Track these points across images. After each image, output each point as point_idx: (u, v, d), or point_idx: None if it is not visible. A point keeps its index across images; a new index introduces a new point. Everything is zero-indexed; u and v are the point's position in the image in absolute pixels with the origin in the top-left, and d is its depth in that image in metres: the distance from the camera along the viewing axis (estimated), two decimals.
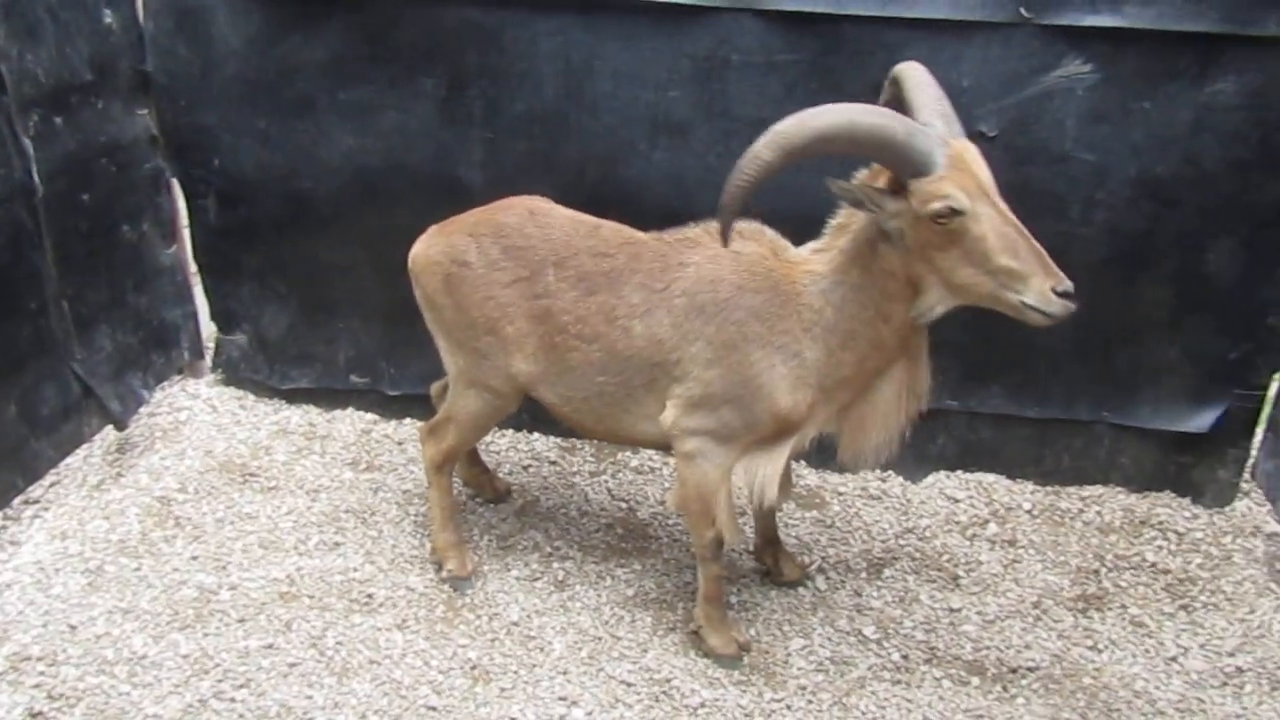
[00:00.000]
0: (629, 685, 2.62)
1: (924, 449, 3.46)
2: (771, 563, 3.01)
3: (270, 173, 3.43)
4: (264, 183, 3.46)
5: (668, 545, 3.14)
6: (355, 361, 3.67)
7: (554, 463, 3.53)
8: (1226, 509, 3.34)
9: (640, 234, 2.71)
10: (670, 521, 3.24)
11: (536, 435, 3.67)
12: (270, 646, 2.67)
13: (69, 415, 3.39)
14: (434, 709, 2.52)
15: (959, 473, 3.48)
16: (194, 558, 2.98)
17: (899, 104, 2.33)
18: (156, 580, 2.88)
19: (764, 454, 2.54)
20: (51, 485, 3.27)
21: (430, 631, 2.76)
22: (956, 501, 3.36)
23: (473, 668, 2.65)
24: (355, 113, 3.29)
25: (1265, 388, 3.26)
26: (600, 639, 2.77)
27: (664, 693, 2.60)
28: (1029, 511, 3.32)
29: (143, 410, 3.68)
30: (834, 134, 2.10)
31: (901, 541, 3.18)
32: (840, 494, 3.40)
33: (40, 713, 2.43)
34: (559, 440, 3.65)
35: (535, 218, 2.75)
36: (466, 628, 2.78)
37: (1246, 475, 3.41)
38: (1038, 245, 2.14)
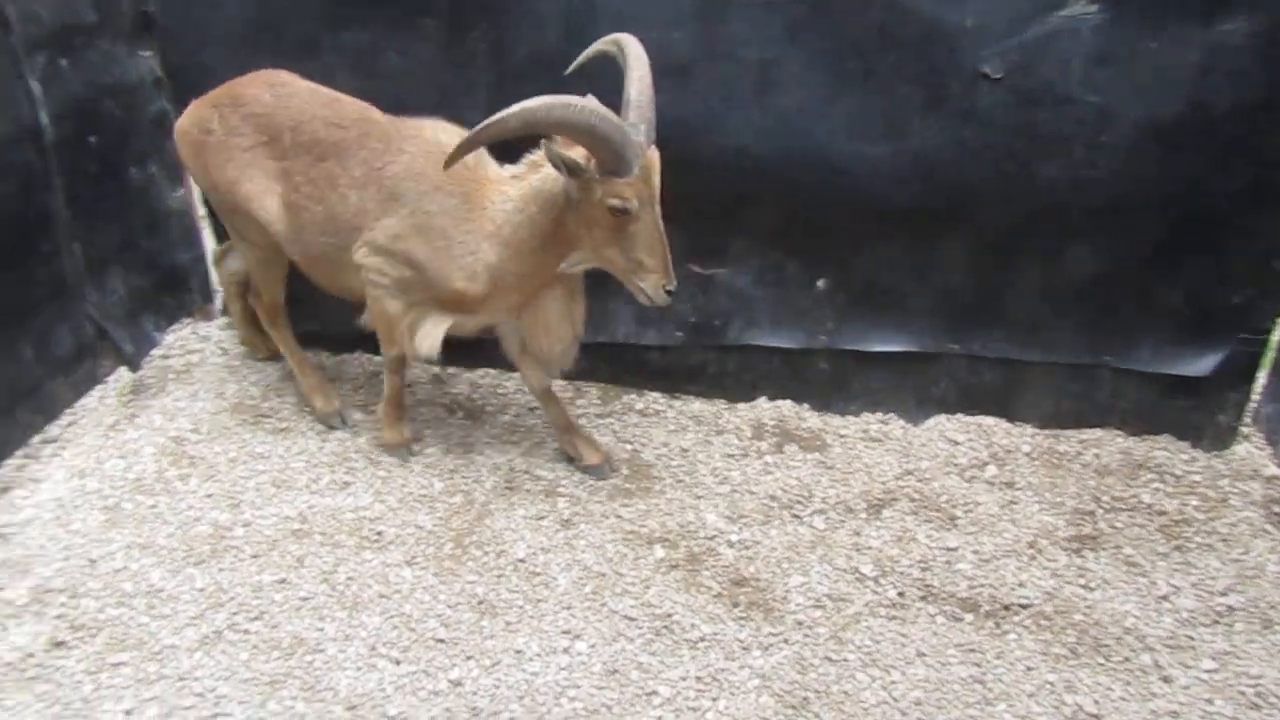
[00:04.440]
0: (631, 620, 2.69)
1: (926, 392, 3.50)
2: (572, 450, 3.28)
3: None
4: None
5: (671, 486, 3.19)
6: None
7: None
8: (1225, 452, 3.37)
9: (376, 114, 2.99)
10: (674, 464, 3.29)
11: None
12: (283, 581, 2.75)
13: (83, 356, 3.46)
14: (442, 641, 2.60)
15: (959, 415, 3.51)
16: (208, 496, 3.06)
17: (617, 68, 2.71)
18: (172, 517, 2.96)
19: (435, 316, 2.97)
20: (69, 425, 3.34)
21: (439, 568, 2.83)
22: (956, 444, 3.40)
23: (480, 602, 2.72)
24: (357, 54, 3.27)
25: (1269, 332, 3.27)
26: (604, 575, 2.84)
27: (665, 627, 2.68)
28: (1028, 454, 3.36)
29: (154, 352, 3.75)
30: (571, 125, 2.46)
31: (901, 483, 3.23)
32: (842, 436, 3.44)
33: (63, 642, 2.53)
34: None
35: (275, 88, 3.06)
36: (474, 564, 2.85)
37: (1247, 419, 3.43)
38: (668, 251, 2.67)
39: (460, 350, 3.67)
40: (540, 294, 2.94)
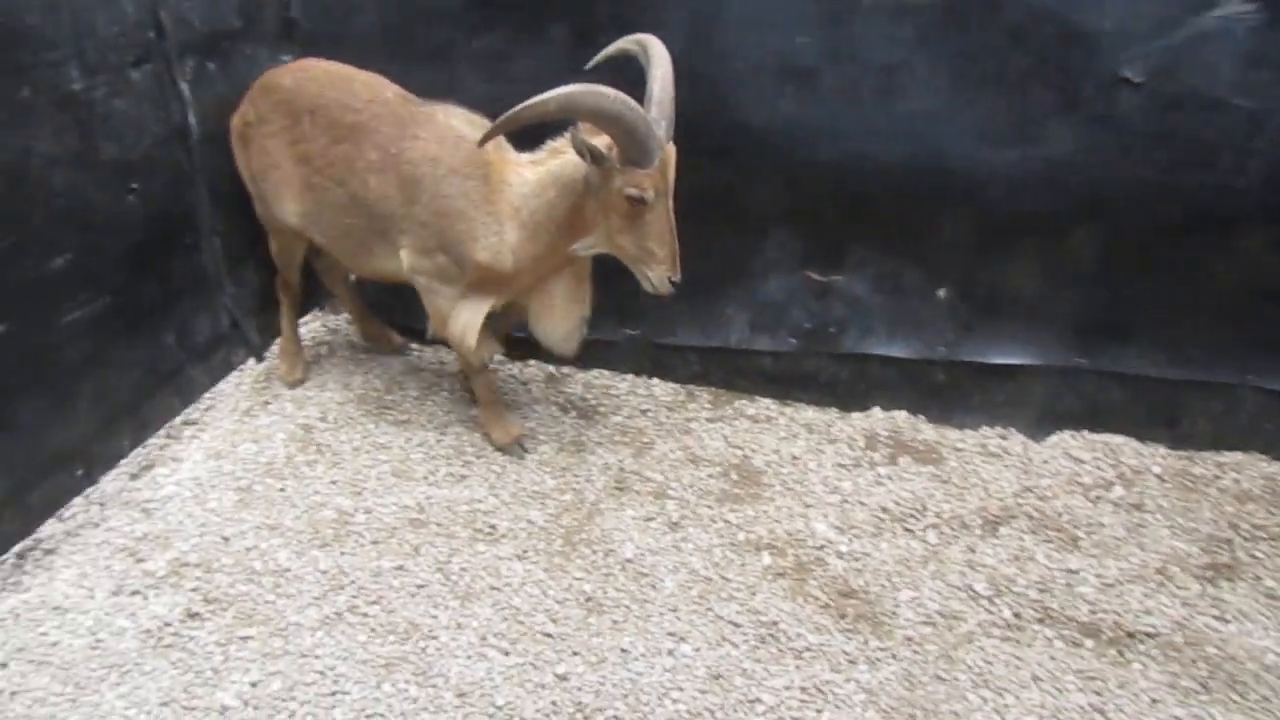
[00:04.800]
0: (736, 625, 2.68)
1: (1049, 407, 3.37)
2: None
3: None
4: None
5: (780, 493, 3.17)
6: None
7: (671, 409, 3.59)
8: None
9: (391, 95, 3.08)
10: (784, 471, 3.26)
11: (655, 381, 3.74)
12: (400, 568, 2.84)
13: (219, 345, 3.65)
14: (549, 635, 2.64)
15: (1085, 433, 3.37)
16: (333, 482, 3.18)
17: (638, 68, 2.80)
18: (299, 501, 3.10)
19: (470, 304, 3.08)
20: (208, 409, 3.53)
21: (548, 563, 2.88)
22: (1081, 462, 3.27)
23: (587, 599, 2.76)
24: (487, 59, 3.36)
25: None
26: (710, 580, 2.84)
27: (770, 635, 2.66)
28: (1159, 476, 3.20)
29: None
30: (604, 113, 2.53)
31: (1020, 500, 3.12)
32: (959, 450, 3.35)
33: (197, 613, 2.67)
34: (677, 386, 3.70)
35: (296, 73, 3.21)
36: (583, 561, 2.89)
37: None
38: (677, 243, 2.75)
39: None
40: (549, 277, 3.06)
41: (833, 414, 3.55)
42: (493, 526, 3.01)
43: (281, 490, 3.14)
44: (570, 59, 3.19)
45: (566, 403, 3.64)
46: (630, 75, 2.80)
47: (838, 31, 3.03)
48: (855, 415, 3.53)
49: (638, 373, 3.77)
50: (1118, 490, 3.15)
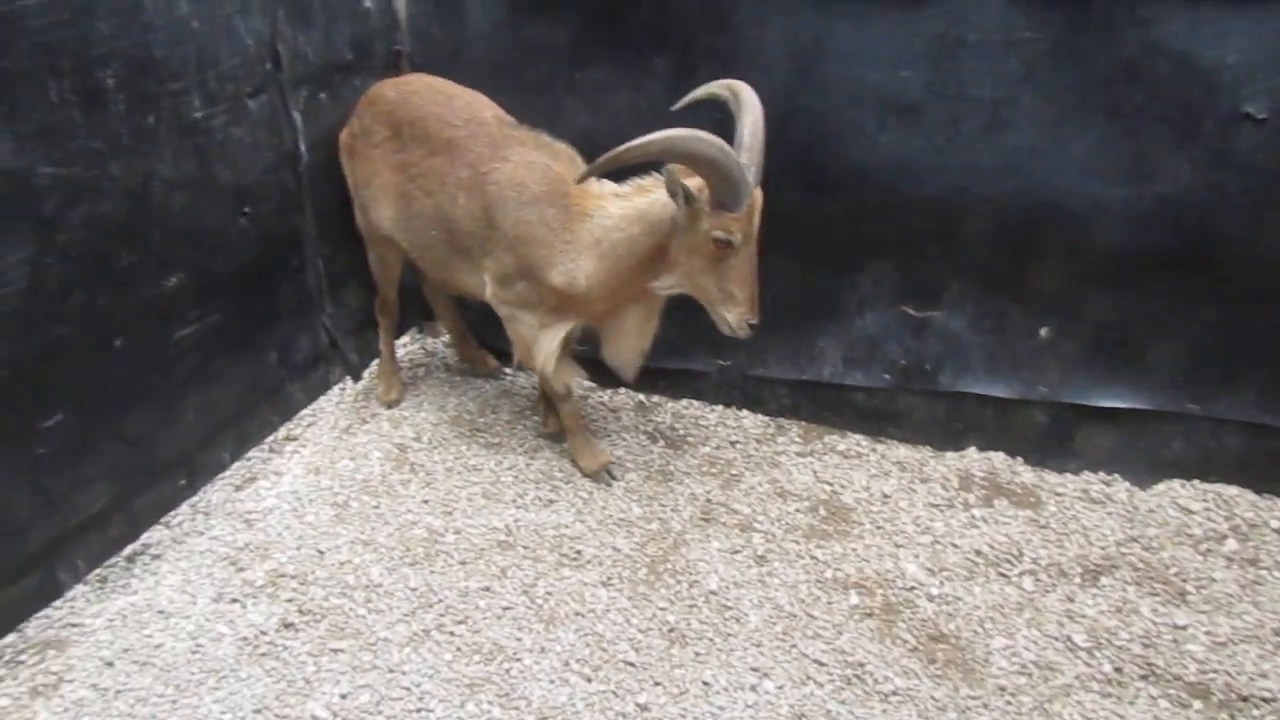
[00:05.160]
0: (821, 665, 2.63)
1: (1158, 454, 3.24)
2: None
3: None
4: None
5: (870, 531, 3.11)
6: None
7: (760, 441, 3.56)
8: None
9: (489, 115, 3.17)
10: (874, 509, 3.20)
11: (745, 413, 3.72)
12: (487, 589, 2.87)
13: (318, 363, 3.76)
14: (632, 664, 2.63)
15: (1196, 482, 3.22)
16: (425, 501, 3.24)
17: (727, 112, 2.82)
18: (392, 518, 3.16)
19: (549, 331, 3.15)
20: (309, 425, 3.64)
21: (633, 592, 2.87)
22: (1190, 513, 3.13)
23: (670, 630, 2.74)
24: (590, 92, 3.42)
25: None
26: (795, 616, 2.79)
27: (856, 676, 2.60)
28: (1277, 530, 3.04)
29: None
30: (701, 157, 2.58)
31: (1123, 549, 3.00)
32: (1058, 494, 3.24)
33: (292, 624, 2.74)
34: (767, 419, 3.67)
35: (402, 86, 3.35)
36: (667, 591, 2.88)
37: None
38: (756, 287, 2.79)
39: (665, 380, 3.75)
40: (624, 306, 3.10)
41: (926, 453, 3.48)
42: (579, 552, 3.02)
43: (376, 507, 3.21)
44: (670, 93, 3.22)
45: (655, 431, 3.64)
46: (716, 118, 2.83)
47: (942, 66, 2.99)
48: (949, 455, 3.45)
49: (727, 404, 3.75)
50: (1231, 544, 3.00)
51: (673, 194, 2.69)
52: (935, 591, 2.87)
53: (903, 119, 3.09)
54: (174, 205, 2.93)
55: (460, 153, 3.11)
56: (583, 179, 2.80)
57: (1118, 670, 2.60)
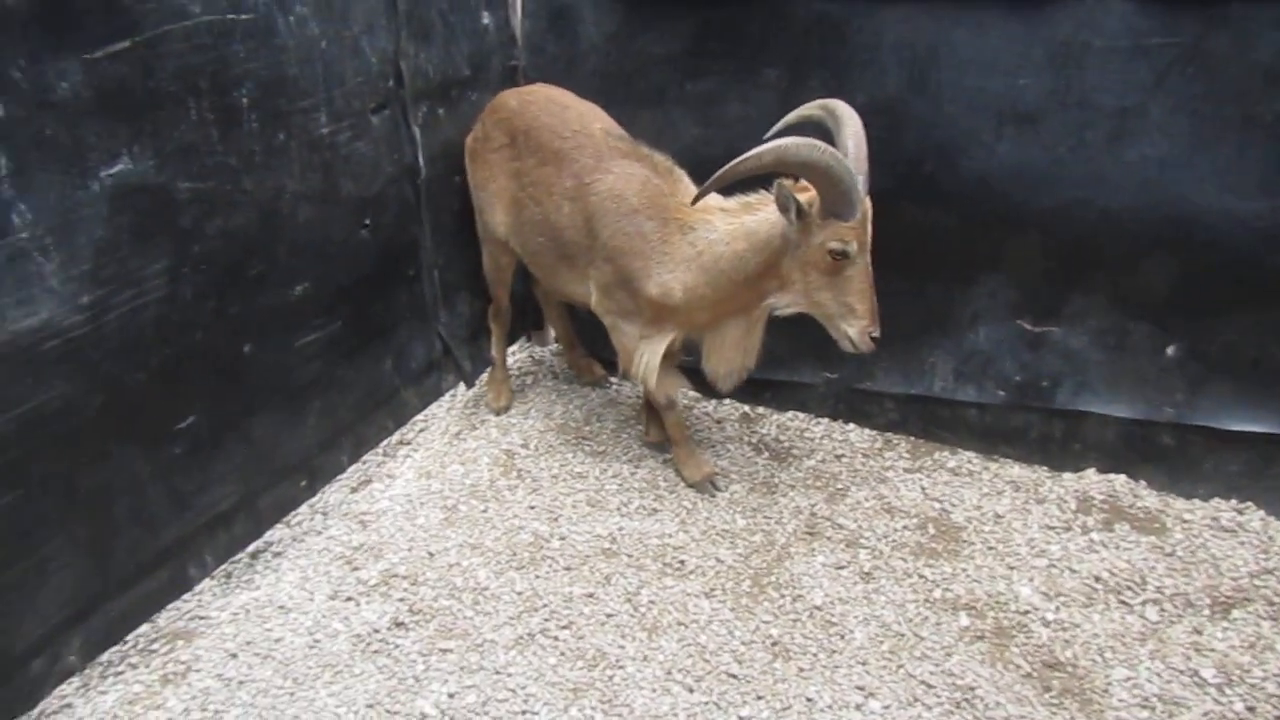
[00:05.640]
0: (929, 687, 2.57)
1: None
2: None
3: None
4: None
5: (981, 552, 3.02)
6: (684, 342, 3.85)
7: (867, 456, 3.51)
8: None
9: (598, 128, 3.21)
10: (986, 529, 3.11)
11: (851, 426, 3.67)
12: (591, 596, 2.90)
13: (431, 370, 3.87)
14: (734, 677, 2.62)
15: None
16: (531, 507, 3.30)
17: (823, 132, 2.78)
18: (500, 523, 3.22)
19: (651, 342, 3.18)
20: (421, 431, 3.75)
21: (736, 604, 2.86)
22: None
23: (774, 644, 2.72)
24: (700, 103, 3.44)
25: None
26: (902, 635, 2.74)
27: (966, 700, 2.53)
28: None
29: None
30: (814, 166, 2.57)
31: (1258, 582, 2.84)
32: (1185, 521, 3.09)
33: (403, 623, 2.82)
34: (874, 433, 3.62)
35: (523, 95, 3.45)
36: (770, 605, 2.86)
37: None
38: (875, 298, 2.75)
39: (770, 391, 3.73)
40: (726, 320, 3.08)
41: (1042, 472, 3.36)
42: (682, 562, 3.03)
43: (484, 511, 3.28)
44: (782, 102, 3.22)
45: (760, 443, 3.62)
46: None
47: (1065, 74, 2.90)
48: (1067, 476, 3.33)
49: (833, 417, 3.71)
50: None
51: (784, 207, 2.69)
52: (1051, 617, 2.77)
53: (1021, 128, 3.01)
54: (300, 218, 3.06)
55: (567, 163, 3.19)
56: (699, 198, 2.81)
57: (1250, 710, 2.46)
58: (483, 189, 3.54)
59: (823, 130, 2.81)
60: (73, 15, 2.28)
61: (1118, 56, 2.83)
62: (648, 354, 3.19)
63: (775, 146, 2.58)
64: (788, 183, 2.66)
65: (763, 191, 2.77)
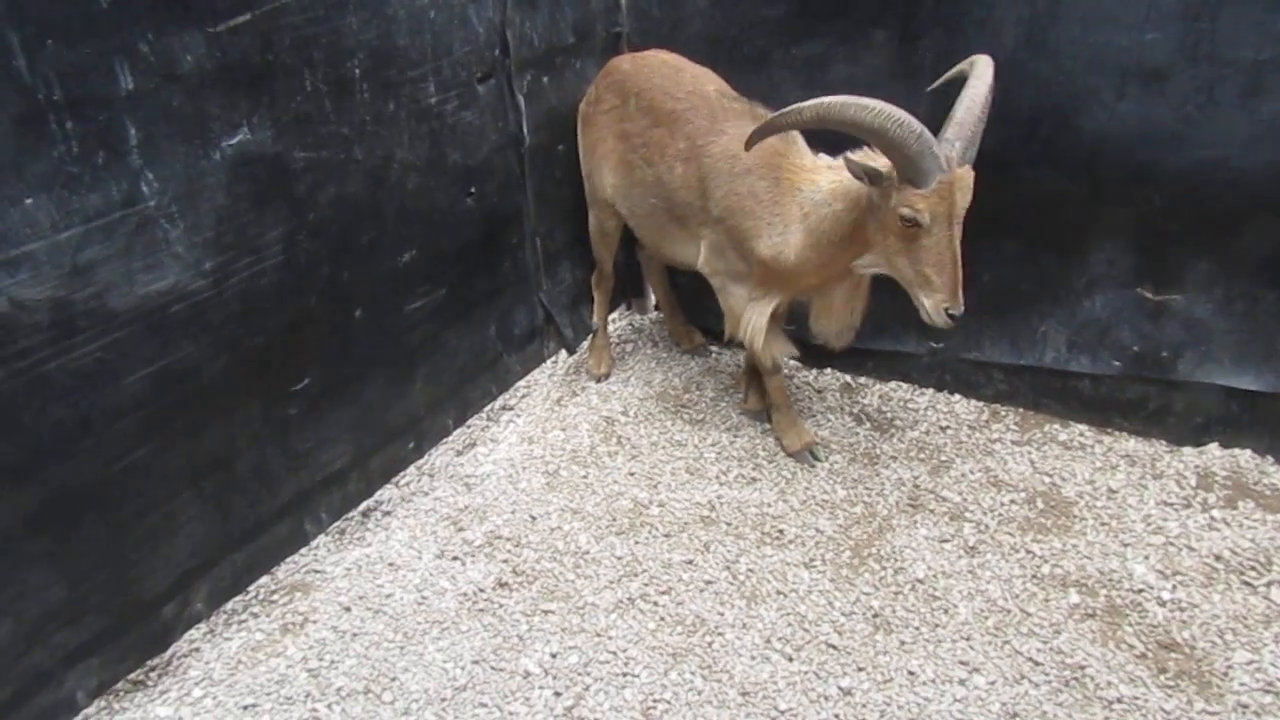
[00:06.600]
0: (1036, 664, 2.51)
1: None
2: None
3: None
4: None
5: (1093, 527, 2.93)
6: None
7: (974, 428, 3.43)
8: None
9: (712, 89, 3.20)
10: (1099, 504, 3.01)
11: (957, 397, 3.58)
12: (690, 563, 2.92)
13: (533, 337, 3.92)
14: (834, 647, 2.60)
15: None
16: (631, 474, 3.33)
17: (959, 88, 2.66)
18: (600, 489, 3.26)
19: (758, 305, 3.16)
20: (523, 396, 3.82)
21: (835, 574, 2.84)
22: None
23: (874, 616, 2.69)
24: (806, 66, 3.37)
25: None
26: (1009, 611, 2.68)
27: (1075, 679, 2.46)
28: None
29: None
30: (864, 126, 2.50)
31: None
32: None
33: (506, 583, 2.89)
34: (981, 404, 3.53)
35: (637, 59, 3.45)
36: (871, 576, 2.83)
37: None
38: (959, 272, 2.60)
39: (873, 361, 3.67)
40: (832, 282, 3.05)
41: (1160, 447, 3.23)
42: (781, 531, 3.02)
43: (584, 477, 3.32)
44: (892, 64, 3.14)
45: (861, 414, 3.57)
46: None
47: (1196, 26, 2.74)
48: (1187, 450, 3.19)
49: (938, 388, 3.63)
50: None
51: (856, 176, 2.64)
52: (1167, 596, 2.67)
53: (1145, 86, 2.86)
54: (409, 186, 3.12)
55: (681, 124, 3.18)
56: (747, 147, 2.80)
57: None
58: (592, 151, 3.57)
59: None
60: None
61: (1255, 6, 2.65)
62: (755, 316, 3.17)
63: (816, 103, 2.53)
64: (859, 153, 2.65)
65: (866, 149, 2.70)
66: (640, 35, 3.71)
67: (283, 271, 2.76)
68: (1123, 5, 2.80)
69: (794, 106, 2.57)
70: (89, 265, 2.27)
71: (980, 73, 2.66)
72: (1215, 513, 2.93)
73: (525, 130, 3.56)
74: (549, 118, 3.63)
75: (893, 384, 3.70)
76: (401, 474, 3.37)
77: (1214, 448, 3.17)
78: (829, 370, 3.79)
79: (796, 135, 3.01)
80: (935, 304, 2.67)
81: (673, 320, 4.08)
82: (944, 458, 3.30)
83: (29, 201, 2.12)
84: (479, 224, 3.47)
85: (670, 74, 3.31)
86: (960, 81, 2.71)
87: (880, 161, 2.60)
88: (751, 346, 3.23)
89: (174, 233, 2.44)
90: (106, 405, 2.39)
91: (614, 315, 4.33)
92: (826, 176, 2.89)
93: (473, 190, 3.40)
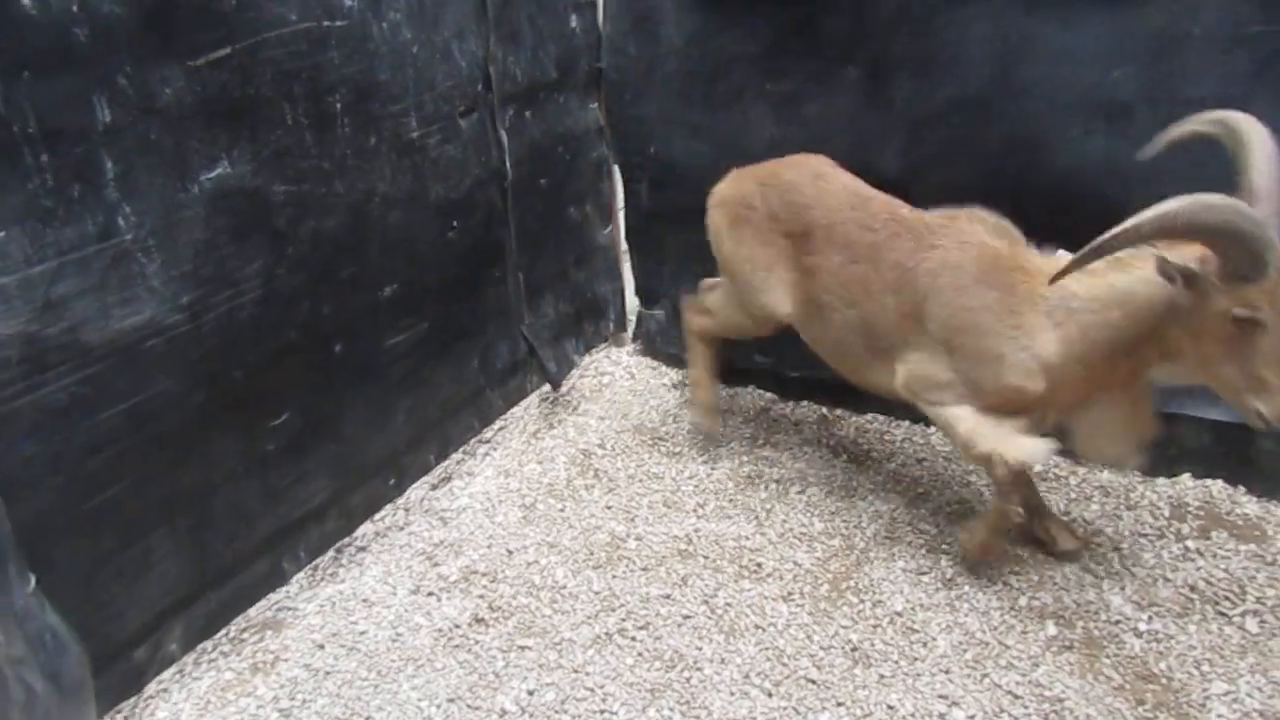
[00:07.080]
0: (1015, 697, 2.51)
1: None
2: (1045, 534, 2.97)
3: (697, 160, 3.67)
4: (690, 170, 3.69)
5: (1070, 560, 2.94)
6: (760, 342, 3.82)
7: (949, 460, 3.45)
8: None
9: (904, 210, 2.87)
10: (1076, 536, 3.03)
11: (933, 430, 3.61)
12: (668, 597, 2.90)
13: (516, 371, 3.93)
14: (813, 682, 2.59)
15: None
16: (608, 507, 3.32)
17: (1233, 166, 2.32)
18: (577, 522, 3.25)
19: (995, 420, 2.68)
20: (500, 429, 3.81)
21: (814, 608, 2.84)
22: None
23: (853, 649, 2.69)
24: (780, 103, 3.42)
25: None
26: (987, 644, 2.67)
27: (1054, 712, 2.46)
28: None
29: (573, 373, 4.15)
30: (1214, 229, 2.15)
31: None
32: None
33: (483, 619, 2.86)
34: None
35: (817, 181, 3.05)
36: (849, 609, 2.82)
37: None
38: None
39: (848, 395, 3.69)
40: (1097, 399, 2.64)
41: (1134, 478, 3.26)
42: (759, 565, 3.01)
43: (561, 510, 3.31)
44: (864, 101, 3.19)
45: (839, 446, 3.59)
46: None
47: (1160, 65, 2.81)
48: (1160, 481, 3.22)
49: (914, 420, 3.65)
50: None
51: (1169, 278, 2.29)
52: (1144, 627, 2.68)
53: (1112, 123, 2.92)
54: (390, 220, 3.13)
55: (883, 255, 2.83)
56: (1055, 280, 2.41)
57: None
58: (750, 263, 3.17)
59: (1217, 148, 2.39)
60: (176, 24, 2.38)
61: (1216, 45, 2.72)
62: (993, 439, 2.65)
63: (1156, 216, 2.14)
64: (1164, 251, 2.29)
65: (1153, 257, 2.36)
66: (616, 71, 3.77)
67: (262, 305, 2.75)
68: (1088, 43, 2.86)
69: (1128, 224, 2.16)
70: (62, 300, 2.25)
71: (1261, 134, 2.28)
72: (1189, 543, 2.95)
73: (508, 164, 3.59)
74: (531, 152, 3.67)
75: (869, 415, 3.72)
76: (380, 510, 3.35)
77: (1186, 479, 3.20)
78: (805, 403, 3.81)
79: (1009, 227, 2.71)
80: (1275, 408, 2.27)
81: (708, 392, 3.65)
82: (921, 490, 3.31)
83: (1, 235, 2.11)
84: (461, 258, 3.49)
85: (861, 201, 2.95)
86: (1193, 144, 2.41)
87: (1187, 255, 2.26)
88: (996, 470, 2.67)
89: (151, 266, 2.43)
90: (79, 441, 2.36)
91: (593, 350, 4.33)
92: (1077, 279, 2.46)
93: (455, 224, 3.42)
